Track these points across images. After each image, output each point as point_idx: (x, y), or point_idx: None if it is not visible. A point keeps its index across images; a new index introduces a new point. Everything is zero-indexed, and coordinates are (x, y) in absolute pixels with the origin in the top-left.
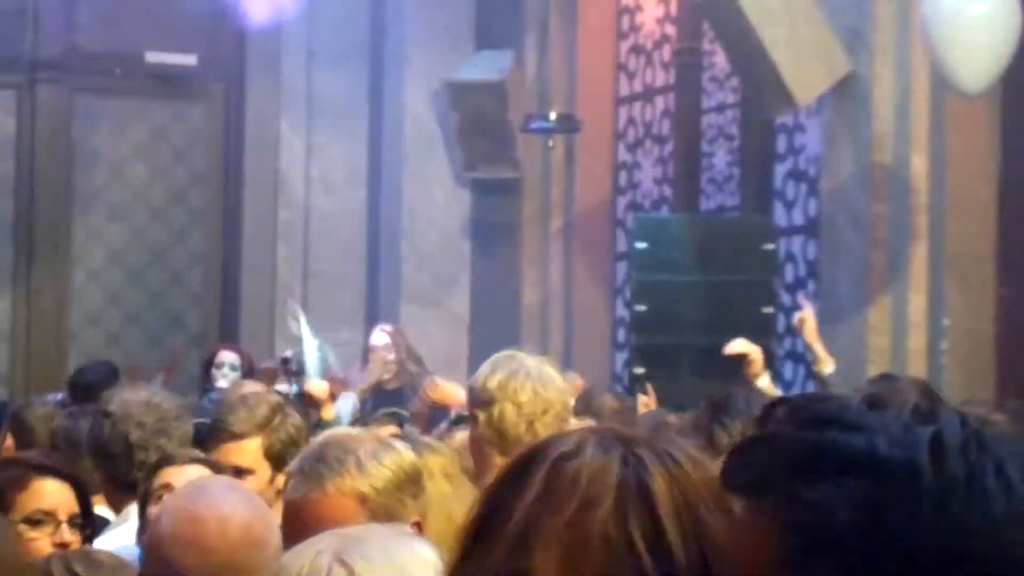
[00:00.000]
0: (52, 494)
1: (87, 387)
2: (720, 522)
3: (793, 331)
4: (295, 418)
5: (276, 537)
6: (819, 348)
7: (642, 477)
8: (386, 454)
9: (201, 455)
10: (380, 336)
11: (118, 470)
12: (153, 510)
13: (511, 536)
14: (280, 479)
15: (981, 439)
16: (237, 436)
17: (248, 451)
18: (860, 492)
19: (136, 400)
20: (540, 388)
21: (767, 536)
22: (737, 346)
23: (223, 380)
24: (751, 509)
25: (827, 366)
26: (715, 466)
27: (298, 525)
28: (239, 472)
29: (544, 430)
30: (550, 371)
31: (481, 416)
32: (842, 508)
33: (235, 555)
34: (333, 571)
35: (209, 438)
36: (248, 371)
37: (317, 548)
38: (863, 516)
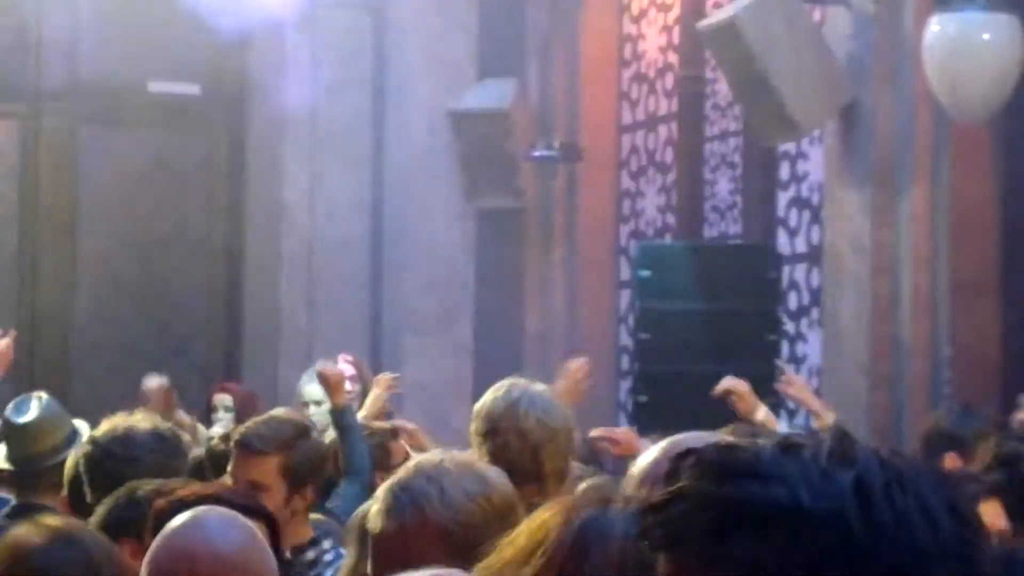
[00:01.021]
0: None
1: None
2: None
3: (797, 359)
4: (320, 442)
5: (272, 572)
6: (813, 403)
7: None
8: (475, 485)
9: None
10: (343, 367)
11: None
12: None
13: None
14: (297, 501)
15: (901, 478)
16: (256, 452)
17: (266, 468)
18: (788, 547)
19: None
20: (544, 416)
21: None
22: (724, 384)
23: (218, 424)
24: (676, 566)
25: (827, 419)
26: None
27: (383, 560)
28: (254, 486)
29: (549, 460)
30: (554, 399)
31: (485, 445)
32: (770, 564)
33: None
34: None
35: (232, 451)
36: (247, 405)
37: None
38: (794, 571)
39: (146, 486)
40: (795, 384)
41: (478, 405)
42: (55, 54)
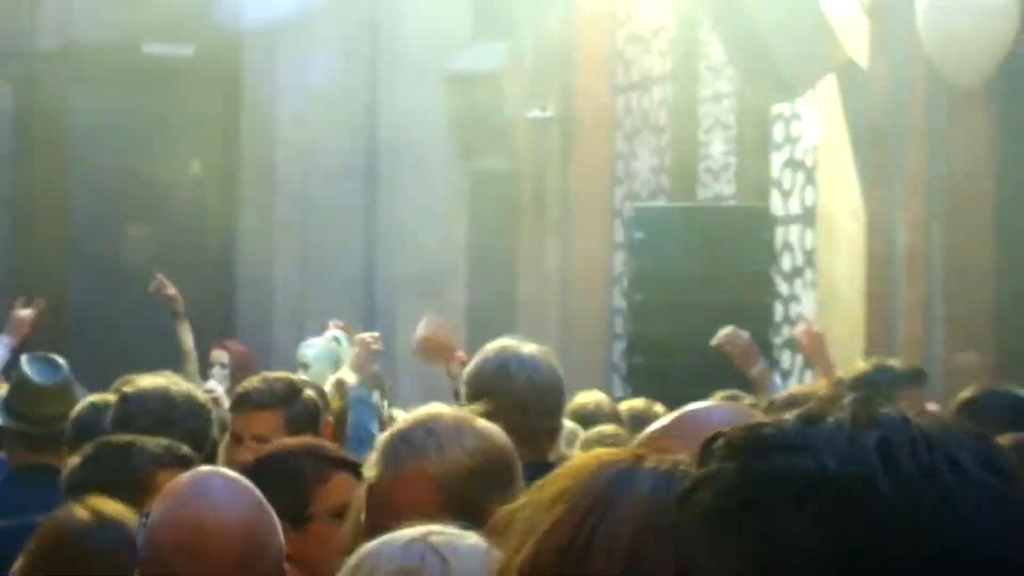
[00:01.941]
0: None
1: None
2: None
3: (791, 320)
4: (313, 397)
5: (277, 537)
6: (823, 360)
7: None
8: (473, 440)
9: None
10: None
11: None
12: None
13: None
14: None
15: (928, 436)
16: (259, 407)
17: (269, 422)
18: (820, 516)
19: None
20: (534, 375)
21: (732, 573)
22: (724, 333)
23: (213, 380)
24: (712, 547)
25: (832, 378)
26: None
27: (376, 509)
28: (260, 440)
29: (539, 419)
30: (545, 360)
31: (476, 407)
32: (805, 535)
33: (235, 562)
34: (426, 559)
35: (232, 408)
36: (243, 364)
37: (409, 536)
38: (828, 539)
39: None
40: (814, 337)
41: (468, 369)
42: (49, 16)
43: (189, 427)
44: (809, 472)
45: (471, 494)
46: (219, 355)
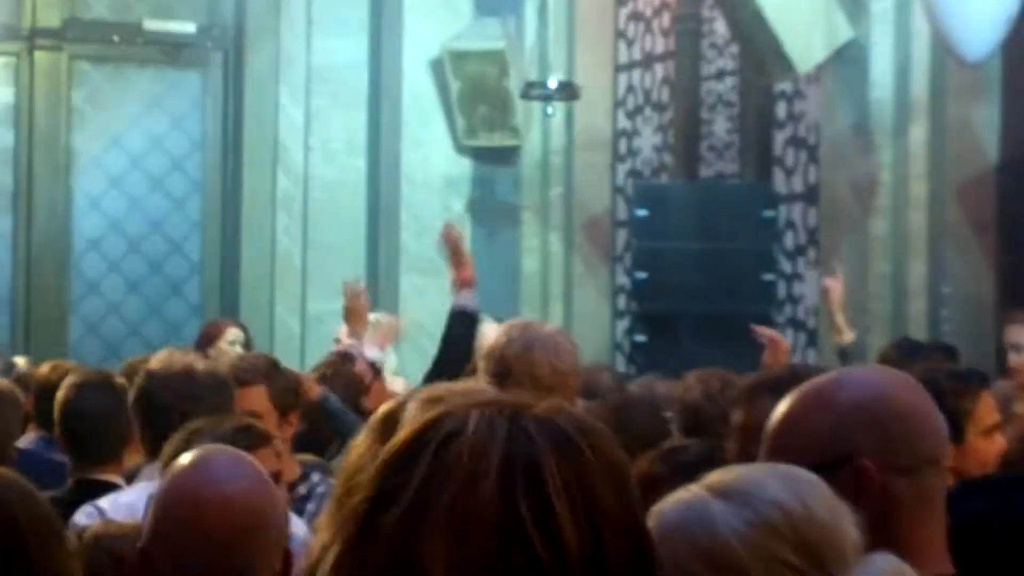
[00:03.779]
0: None
1: None
2: (617, 500)
3: (794, 299)
4: (291, 372)
5: (279, 514)
6: (841, 319)
7: (530, 452)
8: None
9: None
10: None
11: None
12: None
13: (399, 521)
14: (286, 429)
15: None
16: (246, 383)
17: (257, 396)
18: None
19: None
20: (556, 360)
21: None
22: (767, 331)
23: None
24: None
25: (847, 337)
26: (614, 441)
27: None
28: (252, 415)
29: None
30: (565, 342)
31: (494, 386)
32: None
33: (236, 537)
34: None
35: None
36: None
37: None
38: None
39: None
40: (835, 292)
41: (490, 344)
42: None
43: (214, 403)
44: None
45: None
46: (237, 333)
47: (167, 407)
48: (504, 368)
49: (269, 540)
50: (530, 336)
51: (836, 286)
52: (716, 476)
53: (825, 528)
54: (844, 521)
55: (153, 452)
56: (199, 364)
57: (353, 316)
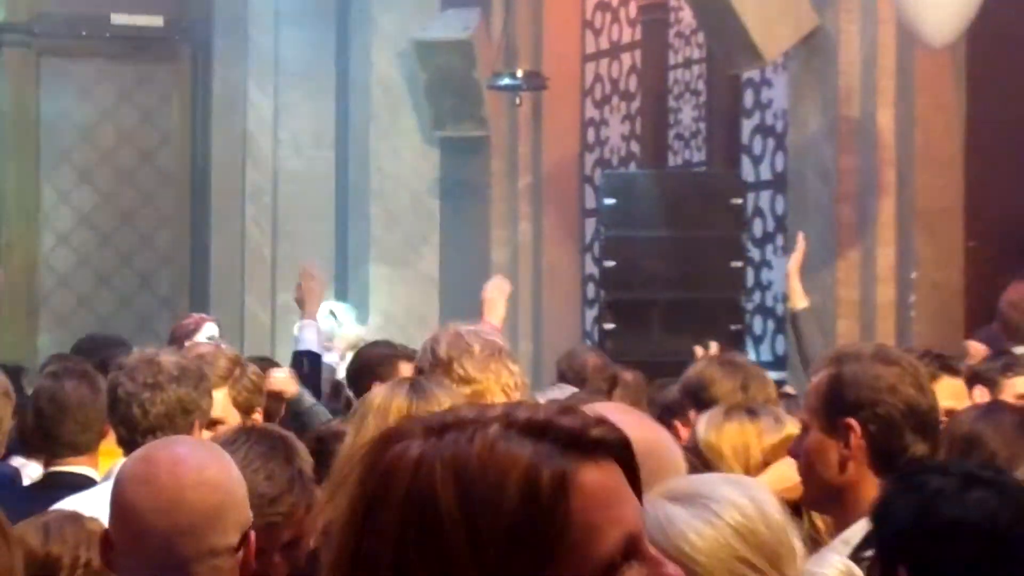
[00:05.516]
0: None
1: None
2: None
3: (763, 286)
4: (253, 368)
5: (238, 486)
6: (797, 284)
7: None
8: None
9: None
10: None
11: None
12: None
13: None
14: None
15: None
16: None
17: (217, 401)
18: None
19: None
20: (513, 365)
21: None
22: None
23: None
24: None
25: (800, 302)
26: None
27: None
28: (212, 423)
29: None
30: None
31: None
32: None
33: (186, 493)
34: None
35: None
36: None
37: None
38: None
39: None
40: (796, 258)
41: (448, 354)
42: None
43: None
44: None
45: None
46: (213, 328)
47: (130, 395)
48: (468, 376)
49: (225, 505)
50: (483, 341)
51: (797, 255)
52: (671, 484)
53: (780, 529)
54: (791, 525)
55: (127, 448)
56: (166, 356)
57: (308, 297)
